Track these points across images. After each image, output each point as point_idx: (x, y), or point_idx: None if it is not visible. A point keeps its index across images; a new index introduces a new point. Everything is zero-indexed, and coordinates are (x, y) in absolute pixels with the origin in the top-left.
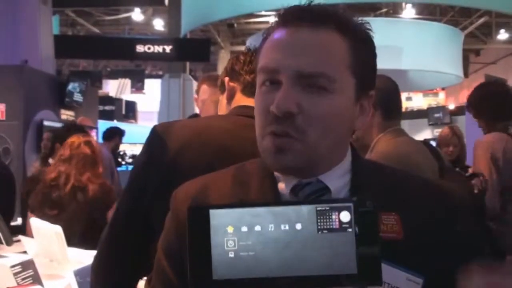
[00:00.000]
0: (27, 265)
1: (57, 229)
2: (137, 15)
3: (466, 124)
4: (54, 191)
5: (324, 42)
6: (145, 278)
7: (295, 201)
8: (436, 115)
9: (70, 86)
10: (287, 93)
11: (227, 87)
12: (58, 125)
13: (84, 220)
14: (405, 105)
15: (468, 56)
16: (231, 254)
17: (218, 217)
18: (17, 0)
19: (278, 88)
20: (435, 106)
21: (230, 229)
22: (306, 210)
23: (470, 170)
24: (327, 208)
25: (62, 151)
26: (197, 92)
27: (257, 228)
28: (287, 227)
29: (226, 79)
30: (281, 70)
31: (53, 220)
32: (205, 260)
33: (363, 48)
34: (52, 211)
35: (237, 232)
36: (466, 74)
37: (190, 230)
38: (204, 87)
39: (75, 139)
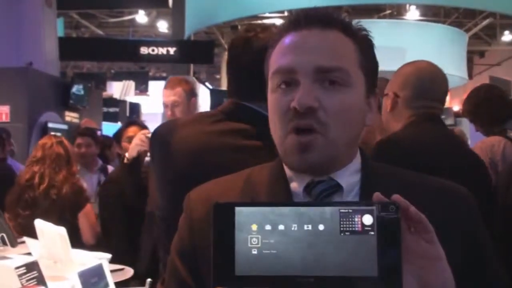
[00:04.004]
0: (32, 266)
1: (61, 231)
2: (141, 17)
3: (470, 125)
4: (28, 191)
5: (334, 41)
6: (149, 280)
7: (319, 202)
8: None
9: (75, 88)
10: (307, 89)
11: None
12: (62, 126)
13: (55, 219)
14: None
15: (472, 58)
16: (254, 251)
17: (243, 214)
18: (21, 2)
19: (294, 89)
20: None
21: (254, 227)
22: (329, 211)
23: None
24: (350, 210)
25: (34, 152)
26: None
27: (281, 227)
28: (310, 228)
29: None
30: (298, 69)
31: (26, 219)
32: (228, 256)
33: (367, 48)
34: (24, 212)
35: (261, 230)
36: (470, 76)
37: (215, 226)
38: None
39: (46, 140)
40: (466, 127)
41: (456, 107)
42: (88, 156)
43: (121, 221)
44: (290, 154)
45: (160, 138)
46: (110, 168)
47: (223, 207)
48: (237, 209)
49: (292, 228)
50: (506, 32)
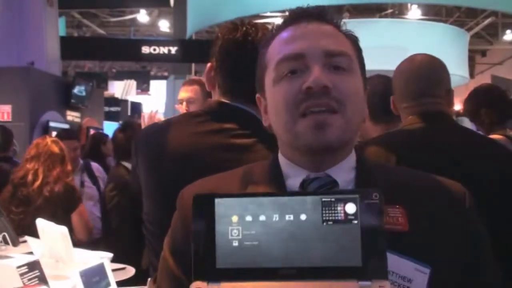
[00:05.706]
0: (33, 265)
1: (63, 230)
2: (142, 16)
3: (471, 125)
4: (22, 189)
5: (334, 32)
6: (150, 279)
7: (300, 191)
8: None
9: (76, 90)
10: (321, 71)
11: (209, 73)
12: (64, 126)
13: (48, 217)
14: None
15: (474, 57)
16: (235, 243)
17: (223, 205)
18: (23, 2)
19: (301, 75)
20: None
21: (234, 218)
22: (311, 201)
23: None
24: (333, 199)
25: (28, 150)
26: None
27: (262, 218)
28: (291, 218)
29: (209, 65)
30: (308, 53)
31: (18, 216)
32: (209, 248)
33: (358, 46)
34: (18, 209)
35: (242, 221)
36: (472, 75)
37: (195, 218)
38: None
39: (41, 140)
40: (468, 126)
41: (458, 106)
42: (75, 158)
43: (133, 223)
44: (304, 135)
45: (146, 140)
46: (94, 165)
47: (203, 198)
48: (217, 200)
49: (274, 219)
50: (508, 31)
